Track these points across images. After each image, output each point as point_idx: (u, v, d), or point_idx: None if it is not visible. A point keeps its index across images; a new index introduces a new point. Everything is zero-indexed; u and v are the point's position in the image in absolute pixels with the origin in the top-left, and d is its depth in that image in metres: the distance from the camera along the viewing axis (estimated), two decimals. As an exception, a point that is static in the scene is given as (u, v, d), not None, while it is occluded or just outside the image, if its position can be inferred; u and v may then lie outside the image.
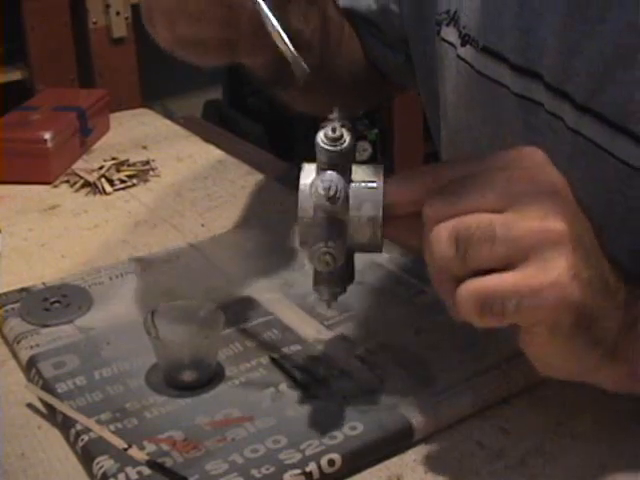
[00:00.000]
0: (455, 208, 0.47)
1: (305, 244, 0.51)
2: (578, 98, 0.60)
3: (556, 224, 0.46)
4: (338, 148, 0.50)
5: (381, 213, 0.50)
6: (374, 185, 0.50)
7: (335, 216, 0.50)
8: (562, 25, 0.61)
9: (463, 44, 0.71)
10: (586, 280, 0.46)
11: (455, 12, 0.72)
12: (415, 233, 0.50)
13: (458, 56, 0.72)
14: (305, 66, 0.53)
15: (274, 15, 0.54)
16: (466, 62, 0.71)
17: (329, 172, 0.49)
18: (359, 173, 0.51)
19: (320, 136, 0.50)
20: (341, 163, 0.50)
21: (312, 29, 0.72)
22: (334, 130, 0.50)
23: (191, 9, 0.58)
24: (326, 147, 0.50)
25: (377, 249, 0.52)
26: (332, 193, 0.49)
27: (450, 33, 0.73)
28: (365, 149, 0.53)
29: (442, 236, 0.47)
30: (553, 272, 0.45)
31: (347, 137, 0.50)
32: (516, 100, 0.66)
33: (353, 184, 0.51)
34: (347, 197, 0.50)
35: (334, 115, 0.51)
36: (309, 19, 0.71)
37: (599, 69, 0.59)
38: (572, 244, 0.46)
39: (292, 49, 0.53)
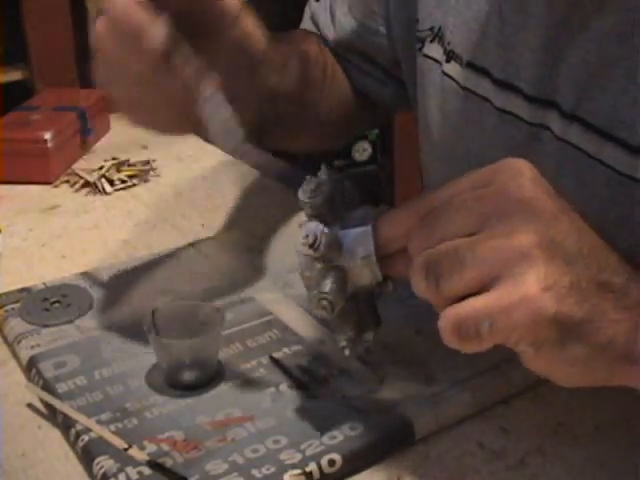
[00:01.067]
0: (430, 239, 0.47)
1: (308, 292, 0.53)
2: (565, 107, 0.61)
3: (522, 238, 0.45)
4: (317, 199, 0.52)
5: (373, 253, 0.51)
6: (363, 228, 0.51)
7: (330, 263, 0.51)
8: (545, 36, 0.61)
9: (448, 60, 0.71)
10: (566, 288, 0.45)
11: (439, 29, 0.73)
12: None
13: (443, 72, 0.72)
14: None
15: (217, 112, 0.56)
16: (451, 78, 0.71)
17: (311, 222, 0.51)
18: (350, 219, 0.52)
19: (299, 192, 0.52)
20: (325, 213, 0.52)
21: (290, 78, 0.74)
22: (309, 183, 0.52)
23: (149, 98, 0.60)
24: (305, 200, 0.52)
25: (385, 288, 0.53)
26: (311, 241, 0.50)
27: (434, 49, 0.74)
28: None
29: (416, 270, 0.48)
30: (522, 288, 0.44)
31: (325, 187, 0.52)
32: (498, 114, 0.66)
33: (344, 231, 0.52)
34: (335, 243, 0.51)
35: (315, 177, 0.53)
36: (287, 69, 0.74)
37: (584, 77, 0.59)
38: (544, 255, 0.45)
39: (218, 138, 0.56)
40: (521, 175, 0.47)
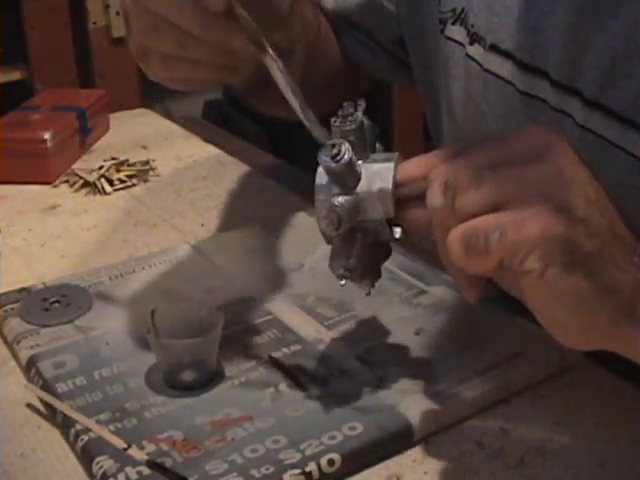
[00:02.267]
0: (453, 166, 0.48)
1: (317, 212, 0.53)
2: (587, 94, 0.60)
3: (545, 167, 0.46)
4: (349, 126, 0.52)
5: (391, 186, 0.51)
6: (386, 164, 0.52)
7: (344, 184, 0.52)
8: (571, 22, 0.61)
9: (471, 42, 0.71)
10: (580, 218, 0.45)
11: (462, 10, 0.72)
12: (425, 217, 0.50)
13: (467, 55, 0.72)
14: (324, 132, 0.54)
15: (285, 74, 0.54)
16: (475, 60, 0.71)
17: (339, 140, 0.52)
18: (374, 157, 0.53)
19: (333, 119, 0.53)
20: (354, 142, 0.52)
21: (294, 39, 0.73)
22: (344, 109, 0.53)
23: (192, 55, 0.58)
24: (336, 124, 0.53)
25: (392, 234, 0.53)
26: (335, 152, 0.51)
27: (456, 32, 0.73)
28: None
29: (434, 187, 0.48)
30: (536, 205, 0.45)
31: (358, 115, 0.53)
32: (522, 98, 0.66)
33: (367, 162, 0.52)
34: (355, 166, 0.51)
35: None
36: (287, 28, 0.72)
37: (609, 64, 0.59)
38: (563, 184, 0.46)
39: (304, 117, 0.55)
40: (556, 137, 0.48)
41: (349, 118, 0.53)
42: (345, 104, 0.54)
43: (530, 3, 0.65)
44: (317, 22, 0.82)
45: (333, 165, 0.51)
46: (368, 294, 0.58)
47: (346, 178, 0.52)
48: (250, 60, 0.56)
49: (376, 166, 0.52)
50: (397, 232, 0.53)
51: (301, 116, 0.55)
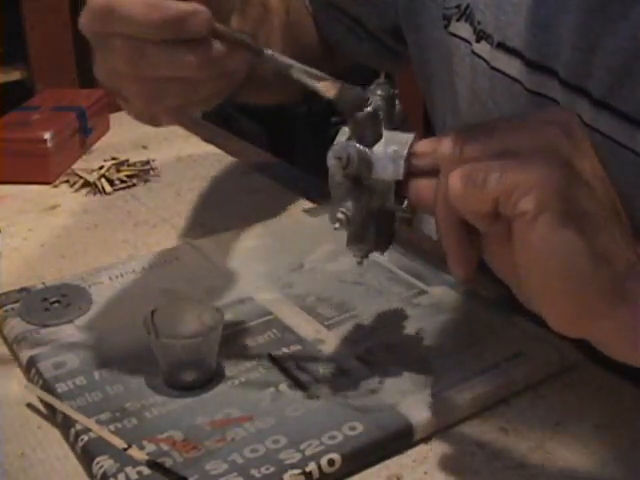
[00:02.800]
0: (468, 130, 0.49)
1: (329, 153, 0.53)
2: (596, 94, 0.60)
3: (559, 129, 0.47)
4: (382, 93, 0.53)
5: (406, 152, 0.51)
6: (405, 134, 0.53)
7: (364, 138, 0.52)
8: (581, 22, 0.61)
9: (478, 40, 0.71)
10: (583, 182, 0.46)
11: (467, 7, 0.72)
12: (432, 189, 0.50)
13: (473, 52, 0.72)
14: (357, 92, 0.54)
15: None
16: (481, 58, 0.71)
17: (343, 142, 0.53)
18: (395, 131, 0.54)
19: (371, 85, 0.54)
20: (368, 126, 0.53)
21: (251, 25, 0.73)
22: (380, 77, 0.55)
23: (200, 96, 0.57)
24: (371, 89, 0.54)
25: (404, 212, 0.53)
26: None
27: (461, 28, 0.73)
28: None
29: (448, 137, 0.49)
30: (542, 156, 0.46)
31: (391, 89, 0.54)
32: (529, 96, 0.66)
33: (388, 130, 0.53)
34: (378, 123, 0.52)
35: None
36: (247, 15, 0.73)
37: (618, 65, 0.59)
38: (575, 146, 0.46)
39: (330, 90, 0.54)
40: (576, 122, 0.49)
41: (383, 86, 0.54)
42: (382, 74, 0.55)
43: (539, 1, 0.65)
44: (284, 6, 0.82)
45: (358, 114, 0.51)
46: (360, 263, 0.57)
47: (366, 131, 0.52)
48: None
49: (396, 133, 0.53)
50: (408, 211, 0.53)
51: (321, 91, 0.54)
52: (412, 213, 0.53)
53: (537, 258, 0.45)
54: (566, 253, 0.45)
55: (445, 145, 0.49)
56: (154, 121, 0.60)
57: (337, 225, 0.53)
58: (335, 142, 0.53)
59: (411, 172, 0.51)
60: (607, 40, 0.59)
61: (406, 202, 0.52)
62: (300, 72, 0.55)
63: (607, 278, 0.46)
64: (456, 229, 0.48)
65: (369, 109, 0.52)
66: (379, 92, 0.54)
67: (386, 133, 0.53)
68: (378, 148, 0.52)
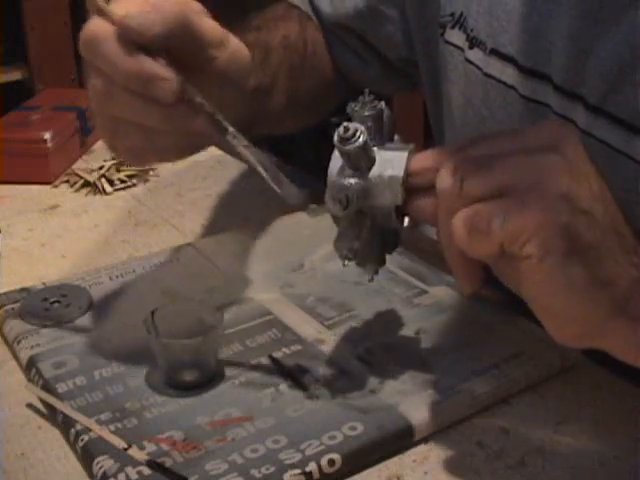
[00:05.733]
0: (465, 154, 0.49)
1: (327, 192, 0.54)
2: (591, 100, 0.60)
3: (553, 156, 0.47)
4: (368, 112, 0.54)
5: (402, 174, 0.52)
6: (400, 152, 0.53)
7: (357, 167, 0.52)
8: (574, 28, 0.61)
9: (471, 47, 0.71)
10: (583, 210, 0.46)
11: (461, 15, 0.72)
12: (432, 206, 0.50)
13: (466, 59, 0.72)
14: (296, 193, 0.57)
15: (251, 152, 0.57)
16: (474, 65, 0.71)
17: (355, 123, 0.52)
18: (389, 145, 0.54)
19: (353, 103, 0.54)
20: (372, 124, 0.53)
21: (272, 72, 0.75)
22: (365, 95, 0.54)
23: (159, 145, 0.58)
24: (356, 110, 0.54)
25: (400, 222, 0.53)
26: (350, 134, 0.51)
27: (455, 36, 0.73)
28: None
29: (444, 171, 0.48)
30: (541, 191, 0.46)
31: (379, 103, 0.54)
32: (524, 102, 0.66)
33: (381, 149, 0.53)
34: (369, 149, 0.52)
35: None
36: (267, 64, 0.74)
37: (613, 70, 0.59)
38: (569, 173, 0.46)
39: (275, 186, 0.57)
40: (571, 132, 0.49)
41: (369, 105, 0.54)
42: (366, 90, 0.54)
43: (531, 7, 0.65)
44: (301, 39, 0.82)
45: (347, 147, 0.51)
46: (371, 280, 0.58)
47: (359, 162, 0.52)
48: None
49: (390, 154, 0.53)
50: (405, 221, 0.53)
51: (272, 184, 0.57)
52: (414, 224, 0.54)
53: (543, 292, 0.47)
54: (571, 285, 0.46)
55: (444, 178, 0.49)
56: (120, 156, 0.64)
57: (346, 262, 0.54)
58: (330, 175, 0.53)
59: (410, 188, 0.52)
60: (600, 45, 0.59)
61: (407, 220, 0.53)
62: (255, 162, 0.57)
63: (611, 300, 0.47)
64: (460, 254, 0.49)
65: (359, 141, 0.51)
66: (366, 113, 0.53)
67: (380, 153, 0.53)
68: (374, 174, 0.52)
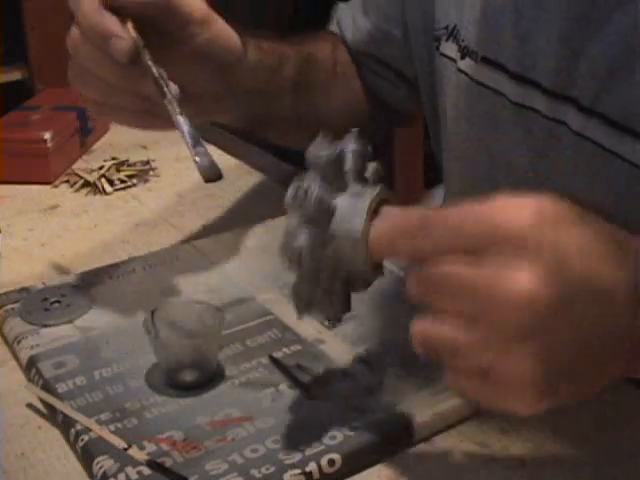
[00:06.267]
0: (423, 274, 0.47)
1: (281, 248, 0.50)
2: (583, 101, 0.60)
3: (525, 277, 0.41)
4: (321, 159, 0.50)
5: (363, 226, 0.48)
6: (361, 201, 0.49)
7: (315, 222, 0.49)
8: (565, 29, 0.61)
9: (462, 57, 0.71)
10: (555, 327, 0.41)
11: (454, 27, 0.73)
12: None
13: (458, 69, 0.72)
14: (211, 168, 0.61)
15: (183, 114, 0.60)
16: (465, 74, 0.71)
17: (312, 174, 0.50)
18: (352, 189, 0.50)
19: (309, 149, 0.51)
20: (330, 175, 0.50)
21: (284, 79, 0.77)
22: (323, 137, 0.52)
23: (115, 103, 0.65)
24: (312, 156, 0.51)
25: (378, 273, 0.51)
26: (301, 193, 0.49)
27: (449, 48, 0.74)
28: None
29: (412, 274, 0.46)
30: (511, 345, 0.41)
31: (335, 146, 0.51)
32: (514, 108, 0.66)
33: (342, 197, 0.49)
34: (325, 206, 0.49)
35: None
36: (280, 70, 0.76)
37: (605, 71, 0.58)
38: (542, 304, 0.41)
39: (194, 154, 0.62)
40: (523, 253, 0.41)
41: (355, 141, 0.51)
42: (321, 132, 0.51)
43: (520, 14, 0.65)
44: (332, 59, 0.84)
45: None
46: (331, 327, 0.56)
47: (316, 216, 0.49)
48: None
49: (352, 201, 0.49)
50: (383, 272, 0.51)
51: (192, 154, 0.61)
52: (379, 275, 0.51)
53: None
54: (561, 397, 0.44)
55: (413, 286, 0.46)
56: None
57: (290, 265, 0.49)
58: (284, 233, 0.49)
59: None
60: (591, 46, 0.59)
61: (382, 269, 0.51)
62: (184, 131, 0.60)
63: (610, 368, 0.45)
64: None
65: (312, 199, 0.48)
66: (351, 146, 0.51)
67: (341, 202, 0.49)
68: (333, 227, 0.48)
